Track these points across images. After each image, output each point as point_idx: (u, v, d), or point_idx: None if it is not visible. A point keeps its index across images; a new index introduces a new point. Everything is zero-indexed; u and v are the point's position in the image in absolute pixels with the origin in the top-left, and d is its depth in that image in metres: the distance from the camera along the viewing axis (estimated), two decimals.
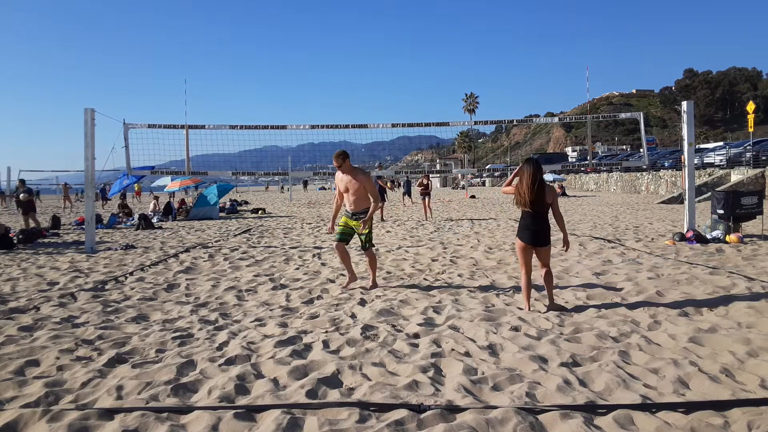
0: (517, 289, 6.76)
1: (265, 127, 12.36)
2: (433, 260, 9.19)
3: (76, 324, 5.42)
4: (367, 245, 6.87)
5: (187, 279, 7.84)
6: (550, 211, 5.50)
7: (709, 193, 15.67)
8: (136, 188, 40.66)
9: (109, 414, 3.26)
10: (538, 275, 6.29)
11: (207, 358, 4.27)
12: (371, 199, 6.78)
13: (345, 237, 6.89)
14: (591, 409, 3.23)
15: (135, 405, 3.37)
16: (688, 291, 6.29)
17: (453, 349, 4.41)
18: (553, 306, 5.61)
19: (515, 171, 5.60)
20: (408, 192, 27.19)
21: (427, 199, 18.77)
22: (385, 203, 18.82)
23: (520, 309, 5.65)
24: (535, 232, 5.43)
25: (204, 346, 4.62)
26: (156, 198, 23.99)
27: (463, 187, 51.52)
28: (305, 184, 70.06)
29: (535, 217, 5.42)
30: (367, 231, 6.76)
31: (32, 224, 15.78)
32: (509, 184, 5.76)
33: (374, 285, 7.01)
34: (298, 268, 8.60)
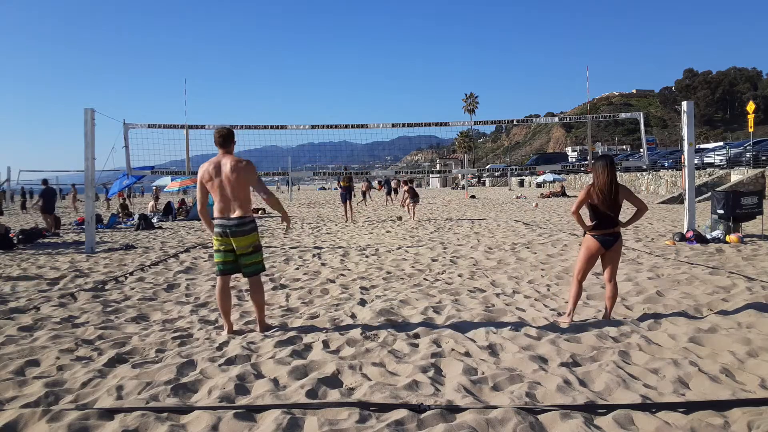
0: (517, 291, 6.76)
1: (265, 127, 12.39)
2: (433, 260, 9.19)
3: (76, 324, 5.42)
4: (254, 268, 4.92)
5: (187, 279, 7.84)
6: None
7: (709, 193, 15.66)
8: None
9: (109, 414, 3.26)
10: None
11: (207, 358, 4.27)
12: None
13: (231, 266, 4.92)
14: (591, 409, 3.23)
15: (135, 405, 3.37)
16: (688, 291, 6.29)
17: (453, 349, 4.41)
18: (609, 319, 5.17)
19: (586, 189, 4.99)
20: (389, 192, 28.64)
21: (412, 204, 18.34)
22: (351, 203, 18.87)
23: (555, 318, 5.26)
24: (606, 235, 4.92)
25: (204, 346, 4.62)
26: (156, 198, 23.99)
27: (463, 187, 51.52)
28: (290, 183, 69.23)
29: (606, 218, 4.90)
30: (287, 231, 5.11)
31: (47, 223, 15.85)
32: (581, 202, 5.04)
33: (265, 326, 5.08)
34: (298, 268, 8.60)
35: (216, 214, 4.83)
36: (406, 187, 18.47)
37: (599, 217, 4.93)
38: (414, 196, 17.83)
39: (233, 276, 5.04)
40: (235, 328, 5.12)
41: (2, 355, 4.42)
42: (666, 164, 33.94)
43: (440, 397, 3.47)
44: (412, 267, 8.56)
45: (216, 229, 4.83)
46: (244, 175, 4.76)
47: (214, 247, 4.92)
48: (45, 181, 18.23)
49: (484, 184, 67.38)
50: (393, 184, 32.93)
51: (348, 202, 18.43)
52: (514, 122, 15.14)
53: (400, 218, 18.41)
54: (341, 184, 18.61)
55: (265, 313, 5.17)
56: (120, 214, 20.10)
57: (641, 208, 5.10)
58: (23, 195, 32.10)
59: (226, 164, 4.78)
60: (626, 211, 5.22)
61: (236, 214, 4.75)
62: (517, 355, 4.19)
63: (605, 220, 4.92)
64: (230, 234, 4.76)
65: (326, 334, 4.89)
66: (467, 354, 4.30)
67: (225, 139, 4.89)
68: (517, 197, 34.15)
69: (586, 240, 5.06)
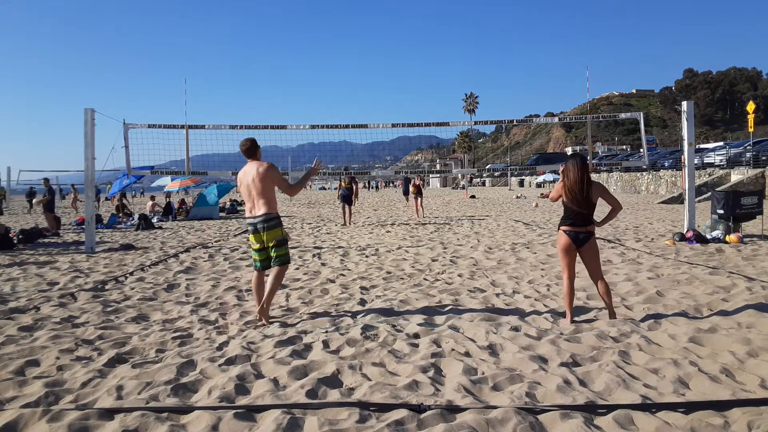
0: (517, 291, 6.76)
1: (265, 127, 12.37)
2: (433, 260, 9.19)
3: (76, 324, 5.42)
4: (280, 260, 5.34)
5: (187, 279, 7.83)
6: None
7: (709, 193, 15.66)
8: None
9: (109, 414, 3.26)
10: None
11: (207, 358, 4.27)
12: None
13: (267, 263, 5.42)
14: (591, 409, 3.23)
15: (135, 405, 3.37)
16: (688, 291, 6.29)
17: (453, 349, 4.41)
18: (612, 314, 5.20)
19: (560, 183, 5.12)
20: (407, 191, 28.07)
21: (419, 199, 19.75)
22: (352, 206, 18.12)
23: (556, 316, 5.33)
24: (577, 233, 5.05)
25: (204, 346, 4.62)
26: (153, 198, 23.98)
27: (463, 187, 51.52)
28: None
29: (579, 216, 5.02)
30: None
31: (49, 223, 15.79)
32: (557, 192, 5.21)
33: (264, 313, 5.36)
34: (298, 268, 8.60)
35: (246, 213, 5.45)
36: (419, 182, 20.10)
37: (571, 214, 5.06)
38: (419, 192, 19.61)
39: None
40: (235, 328, 5.22)
41: (2, 355, 4.41)
42: (666, 164, 33.92)
43: (440, 397, 3.47)
44: (412, 267, 8.56)
45: (248, 228, 5.41)
46: (264, 176, 5.27)
47: (251, 246, 5.52)
48: (47, 181, 18.24)
49: (483, 184, 67.35)
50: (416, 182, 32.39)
51: (348, 204, 17.47)
52: (514, 122, 15.13)
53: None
54: (342, 184, 17.59)
55: (271, 305, 5.56)
56: (120, 214, 20.10)
57: (615, 207, 5.19)
58: (31, 194, 32.01)
59: (252, 170, 5.35)
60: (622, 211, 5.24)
61: (261, 211, 5.27)
62: (517, 355, 4.19)
63: (577, 217, 5.04)
64: (259, 230, 5.30)
65: (326, 334, 4.89)
66: (467, 354, 4.30)
67: (248, 150, 5.46)
68: (517, 197, 34.15)
69: (558, 236, 5.23)
